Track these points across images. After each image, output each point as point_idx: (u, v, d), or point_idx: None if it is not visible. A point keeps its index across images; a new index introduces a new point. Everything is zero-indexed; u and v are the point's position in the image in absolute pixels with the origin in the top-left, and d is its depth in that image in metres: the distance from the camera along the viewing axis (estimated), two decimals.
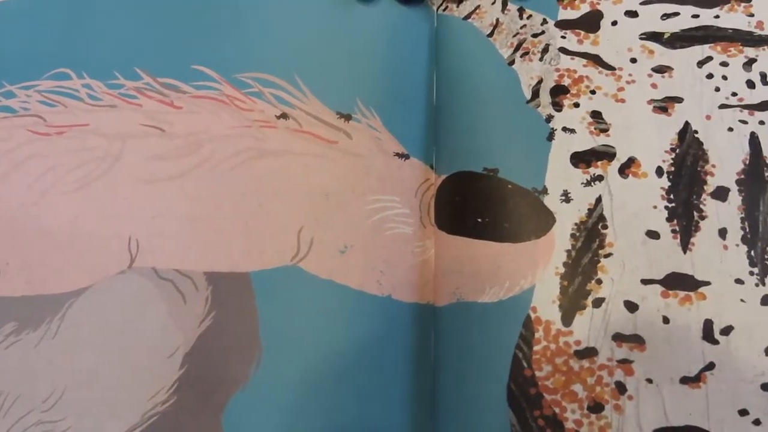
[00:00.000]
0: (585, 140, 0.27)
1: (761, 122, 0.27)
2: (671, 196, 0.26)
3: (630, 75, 0.28)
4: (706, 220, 0.25)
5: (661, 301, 0.24)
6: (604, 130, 0.27)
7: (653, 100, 0.28)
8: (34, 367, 0.25)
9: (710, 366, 0.23)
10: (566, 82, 0.28)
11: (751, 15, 0.29)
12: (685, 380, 0.23)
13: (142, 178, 0.28)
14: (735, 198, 0.26)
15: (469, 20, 0.30)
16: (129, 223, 0.27)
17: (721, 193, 0.26)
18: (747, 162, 0.26)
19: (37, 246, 0.27)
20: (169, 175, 0.28)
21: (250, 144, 0.28)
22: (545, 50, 0.29)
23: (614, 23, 0.29)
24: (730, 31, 0.29)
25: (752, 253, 0.25)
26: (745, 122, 0.27)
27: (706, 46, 0.28)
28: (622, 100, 0.28)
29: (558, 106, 0.28)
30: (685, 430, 0.23)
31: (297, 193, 0.28)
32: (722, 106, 0.27)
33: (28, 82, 0.29)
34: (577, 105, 0.28)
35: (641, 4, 0.30)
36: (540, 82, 0.28)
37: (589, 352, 0.24)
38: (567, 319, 0.24)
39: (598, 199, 0.26)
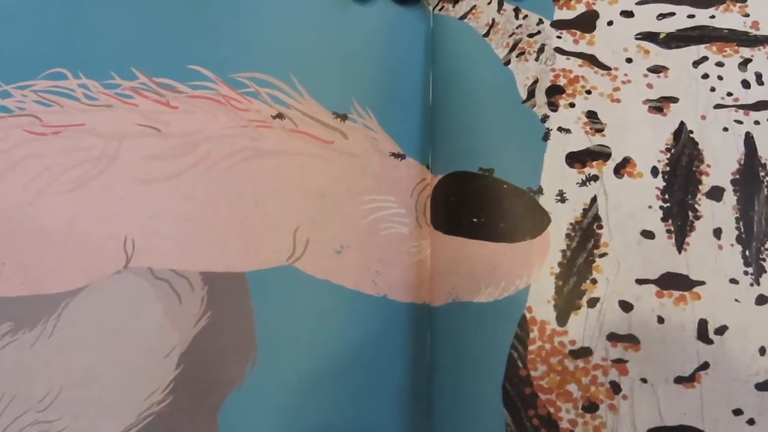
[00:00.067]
0: (580, 140, 0.27)
1: (756, 122, 0.27)
2: (666, 196, 0.26)
3: (626, 75, 0.28)
4: (701, 220, 0.25)
5: (656, 300, 0.24)
6: (600, 130, 0.27)
7: (649, 100, 0.28)
8: (30, 367, 0.25)
9: (705, 366, 0.23)
10: (562, 82, 0.28)
11: (747, 15, 0.29)
12: (679, 380, 0.23)
13: (138, 178, 0.28)
14: (730, 198, 0.26)
15: (465, 20, 0.30)
16: (125, 223, 0.27)
17: (716, 193, 0.26)
18: (742, 162, 0.26)
19: (34, 246, 0.27)
20: (165, 175, 0.28)
21: (246, 144, 0.28)
22: (541, 50, 0.29)
23: (610, 23, 0.29)
24: (726, 31, 0.29)
25: (747, 253, 0.25)
26: (740, 122, 0.27)
27: (702, 46, 0.28)
28: (618, 100, 0.28)
29: (553, 106, 0.28)
30: (679, 430, 0.23)
31: (293, 193, 0.28)
32: (717, 106, 0.27)
33: (24, 81, 0.29)
34: (572, 105, 0.28)
35: (637, 4, 0.30)
36: (536, 82, 0.28)
37: (584, 352, 0.24)
38: (562, 318, 0.24)
39: (594, 199, 0.26)
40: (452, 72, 0.29)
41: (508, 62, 0.29)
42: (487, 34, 0.30)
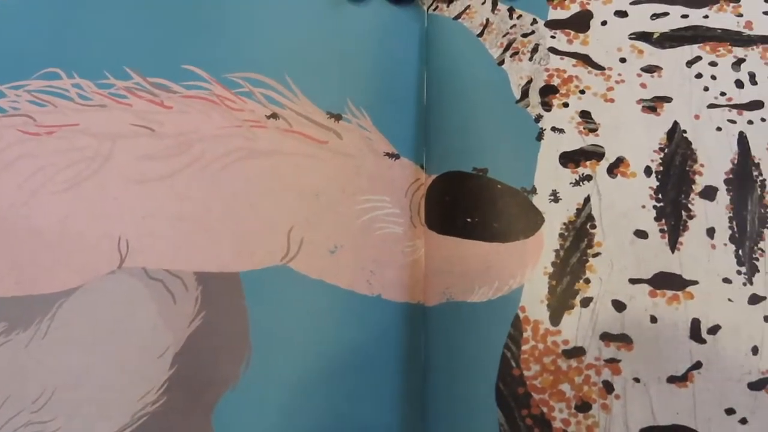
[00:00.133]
0: (574, 140, 0.27)
1: (750, 122, 0.27)
2: (660, 196, 0.26)
3: (619, 75, 0.28)
4: (695, 220, 0.26)
5: (649, 300, 0.24)
6: (593, 130, 0.27)
7: (642, 100, 0.28)
8: (24, 367, 0.25)
9: (697, 365, 0.24)
10: (555, 81, 0.28)
11: (740, 15, 0.29)
12: (672, 379, 0.23)
13: (132, 178, 0.28)
14: (723, 197, 0.26)
15: (460, 20, 0.30)
16: (119, 223, 0.27)
17: (709, 193, 0.26)
18: (735, 161, 0.26)
19: (27, 246, 0.27)
20: (159, 175, 0.28)
21: (241, 144, 0.28)
22: (535, 50, 0.29)
23: (604, 23, 0.29)
24: (719, 31, 0.29)
25: (740, 252, 0.25)
26: (733, 122, 0.27)
27: (695, 45, 0.28)
28: (611, 100, 0.28)
29: (547, 106, 0.28)
30: (672, 429, 0.23)
31: (287, 193, 0.28)
32: (711, 106, 0.27)
33: (18, 81, 0.29)
34: (566, 105, 0.28)
35: (631, 4, 0.30)
36: (529, 81, 0.28)
37: (577, 352, 0.24)
38: (555, 318, 0.24)
39: (587, 199, 0.26)
40: (446, 72, 0.29)
41: (502, 62, 0.29)
42: (481, 34, 0.30)
